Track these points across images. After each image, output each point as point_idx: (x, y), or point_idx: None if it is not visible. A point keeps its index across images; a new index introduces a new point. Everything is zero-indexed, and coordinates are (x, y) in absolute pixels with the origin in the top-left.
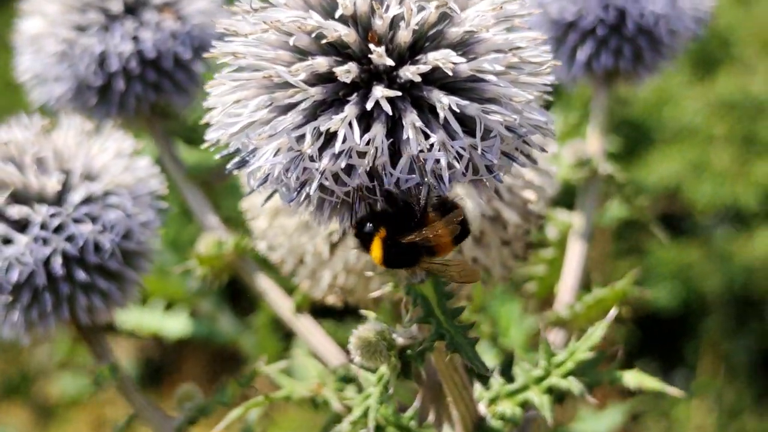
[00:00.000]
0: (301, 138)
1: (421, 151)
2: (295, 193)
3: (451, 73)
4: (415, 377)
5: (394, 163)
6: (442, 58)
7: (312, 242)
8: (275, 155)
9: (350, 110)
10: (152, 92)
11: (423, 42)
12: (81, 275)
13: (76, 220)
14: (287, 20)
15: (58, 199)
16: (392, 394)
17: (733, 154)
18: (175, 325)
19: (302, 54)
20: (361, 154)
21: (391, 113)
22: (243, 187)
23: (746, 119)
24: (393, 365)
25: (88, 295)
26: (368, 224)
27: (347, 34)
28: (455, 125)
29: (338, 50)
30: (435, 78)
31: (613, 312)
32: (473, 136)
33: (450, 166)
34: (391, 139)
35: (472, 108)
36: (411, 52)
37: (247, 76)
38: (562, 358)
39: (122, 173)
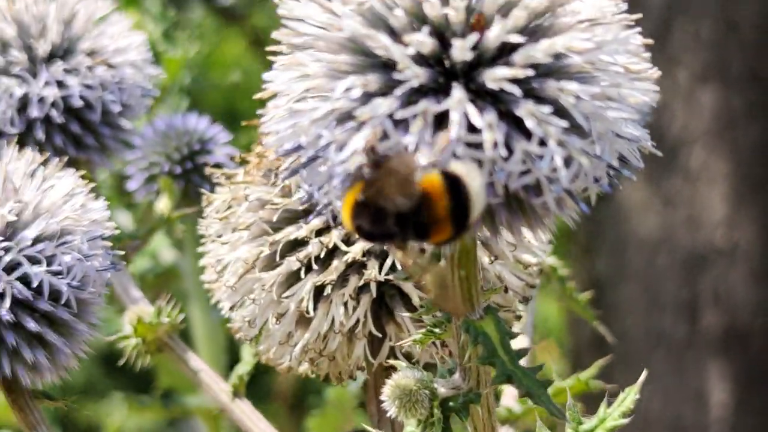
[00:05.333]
0: (401, 124)
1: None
2: None
3: (578, 59)
4: None
5: None
6: (564, 44)
7: (295, 298)
8: None
9: (460, 94)
10: (73, 147)
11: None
12: (31, 324)
13: (31, 259)
14: None
15: (8, 234)
16: None
17: None
18: None
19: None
20: (472, 145)
21: (520, 95)
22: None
23: None
24: (438, 418)
25: (34, 350)
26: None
27: (457, 10)
28: (579, 117)
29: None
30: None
31: (643, 374)
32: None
33: (567, 164)
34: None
35: (589, 104)
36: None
37: (344, 59)
38: (592, 425)
39: (77, 212)
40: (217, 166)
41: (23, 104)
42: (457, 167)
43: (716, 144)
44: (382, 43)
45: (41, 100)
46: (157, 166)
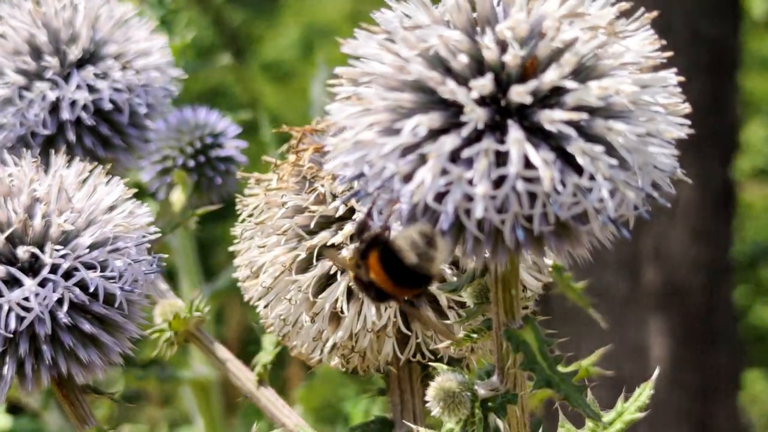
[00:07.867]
0: (465, 162)
1: (592, 178)
2: (447, 224)
3: (623, 99)
4: None
5: None
6: (614, 85)
7: (330, 298)
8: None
9: (519, 134)
10: (101, 147)
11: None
12: (86, 326)
13: (86, 265)
14: (455, 39)
15: (63, 242)
16: None
17: None
18: None
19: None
20: (528, 180)
21: (575, 135)
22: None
23: None
24: (479, 418)
25: (87, 350)
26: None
27: (514, 55)
28: (625, 153)
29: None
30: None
31: (656, 372)
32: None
33: (612, 196)
34: None
35: (633, 141)
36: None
37: (408, 97)
38: (611, 418)
39: (126, 219)
40: (229, 159)
41: (55, 107)
42: (398, 240)
43: None
44: (449, 88)
45: (73, 103)
46: (171, 160)
